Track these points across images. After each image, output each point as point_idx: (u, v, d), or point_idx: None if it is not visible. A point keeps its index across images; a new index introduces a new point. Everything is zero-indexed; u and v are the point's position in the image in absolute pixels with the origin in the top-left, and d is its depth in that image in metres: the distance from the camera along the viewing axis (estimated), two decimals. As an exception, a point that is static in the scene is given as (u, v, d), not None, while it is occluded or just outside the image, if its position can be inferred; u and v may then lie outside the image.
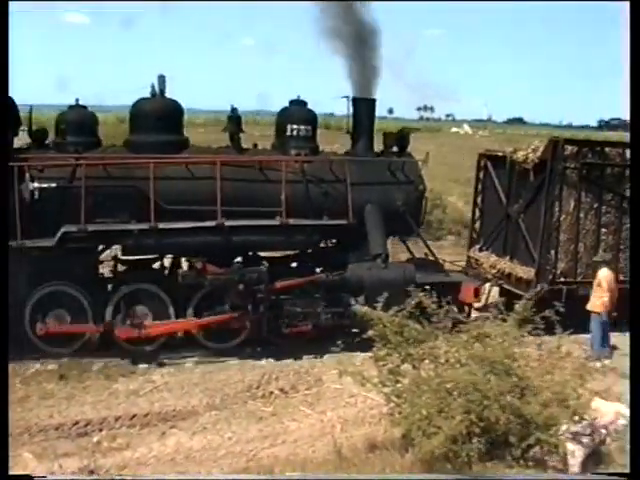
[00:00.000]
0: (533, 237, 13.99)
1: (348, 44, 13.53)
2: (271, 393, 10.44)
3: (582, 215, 13.84)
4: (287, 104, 13.65)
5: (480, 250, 15.43)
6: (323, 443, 8.33)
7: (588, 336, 12.13)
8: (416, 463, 6.82)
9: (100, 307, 11.85)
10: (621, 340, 12.92)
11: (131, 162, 12.09)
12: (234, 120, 13.21)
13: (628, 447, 6.57)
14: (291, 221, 12.38)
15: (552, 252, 13.64)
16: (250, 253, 12.84)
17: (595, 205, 13.89)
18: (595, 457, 7.26)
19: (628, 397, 9.61)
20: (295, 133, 13.19)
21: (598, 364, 10.39)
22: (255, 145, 13.62)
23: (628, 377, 10.77)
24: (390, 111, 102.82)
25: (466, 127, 73.85)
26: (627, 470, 5.96)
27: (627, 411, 7.96)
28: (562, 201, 13.66)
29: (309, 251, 13.13)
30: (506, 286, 14.01)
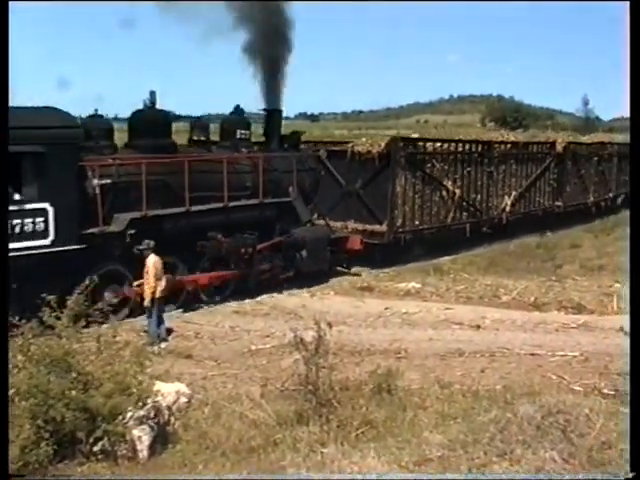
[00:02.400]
0: (375, 205, 21.03)
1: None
2: None
3: (407, 187, 21.41)
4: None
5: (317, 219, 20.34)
6: None
7: (145, 322, 12.93)
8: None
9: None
10: (176, 323, 14.11)
11: (171, 161, 15.85)
12: (201, 127, 18.01)
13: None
14: (265, 200, 17.57)
15: (395, 212, 20.99)
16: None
17: (412, 180, 21.57)
18: (161, 438, 7.88)
19: (187, 376, 10.59)
20: (243, 136, 18.48)
21: (155, 348, 11.20)
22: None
23: (185, 356, 11.88)
24: None
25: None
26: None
27: (186, 389, 8.79)
28: (398, 178, 21.04)
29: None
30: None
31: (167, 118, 17.12)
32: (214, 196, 16.30)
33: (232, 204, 16.67)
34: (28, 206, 13.02)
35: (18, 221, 12.75)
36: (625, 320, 11.20)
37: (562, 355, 12.25)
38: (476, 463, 7.35)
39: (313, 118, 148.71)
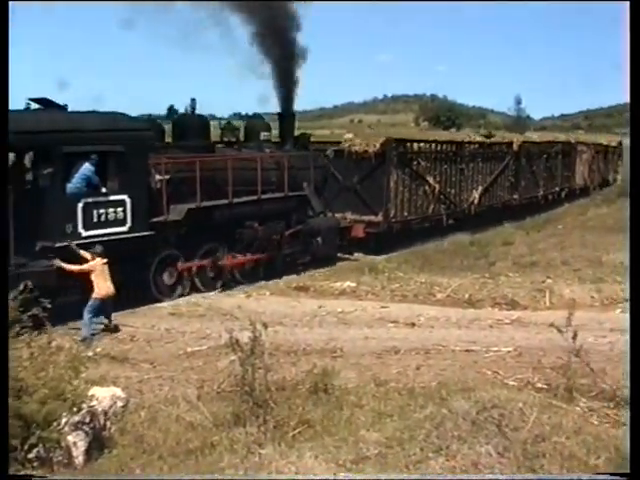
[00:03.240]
0: (371, 198, 24.21)
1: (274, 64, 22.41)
2: None
3: (398, 182, 24.72)
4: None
5: None
6: None
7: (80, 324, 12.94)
8: None
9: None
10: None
11: (218, 159, 18.95)
12: (231, 129, 21.60)
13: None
14: (290, 193, 20.68)
15: (389, 204, 24.21)
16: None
17: (402, 176, 24.94)
18: (98, 443, 7.85)
19: (122, 379, 10.53)
20: (266, 138, 22.17)
21: (90, 353, 11.12)
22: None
23: (120, 360, 11.81)
24: None
25: None
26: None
27: (122, 393, 8.76)
28: (395, 172, 24.48)
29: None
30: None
31: (206, 122, 20.72)
32: (248, 190, 19.20)
33: (264, 197, 19.73)
34: (111, 197, 15.57)
35: (103, 210, 15.29)
36: (558, 315, 11.59)
37: (496, 351, 12.51)
38: (413, 460, 7.51)
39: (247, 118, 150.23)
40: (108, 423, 8.26)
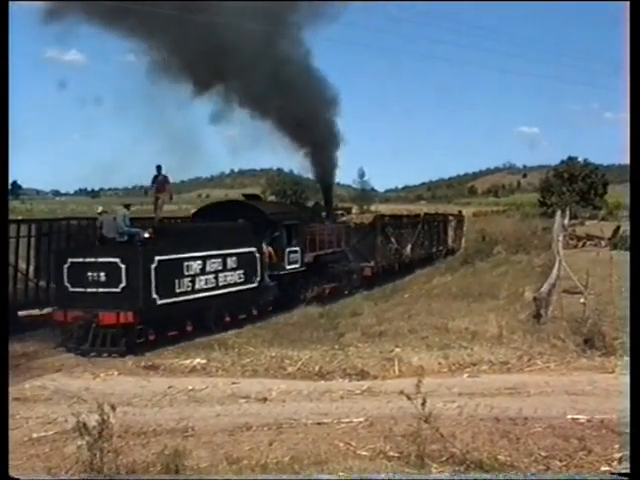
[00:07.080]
0: (365, 252, 35.17)
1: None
2: None
3: (379, 242, 36.71)
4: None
5: None
6: None
7: None
8: None
9: None
10: None
11: (321, 228, 32.68)
12: (319, 207, 38.23)
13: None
14: (343, 248, 33.29)
15: (377, 256, 35.98)
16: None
17: (381, 238, 37.84)
18: None
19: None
20: (324, 216, 35.32)
21: None
22: None
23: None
24: None
25: None
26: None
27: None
28: (379, 236, 36.64)
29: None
30: None
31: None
32: (328, 245, 31.75)
33: (336, 250, 32.47)
34: (293, 249, 27.83)
35: (292, 256, 27.70)
36: (406, 383, 11.91)
37: (348, 422, 12.61)
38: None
39: (93, 194, 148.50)
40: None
